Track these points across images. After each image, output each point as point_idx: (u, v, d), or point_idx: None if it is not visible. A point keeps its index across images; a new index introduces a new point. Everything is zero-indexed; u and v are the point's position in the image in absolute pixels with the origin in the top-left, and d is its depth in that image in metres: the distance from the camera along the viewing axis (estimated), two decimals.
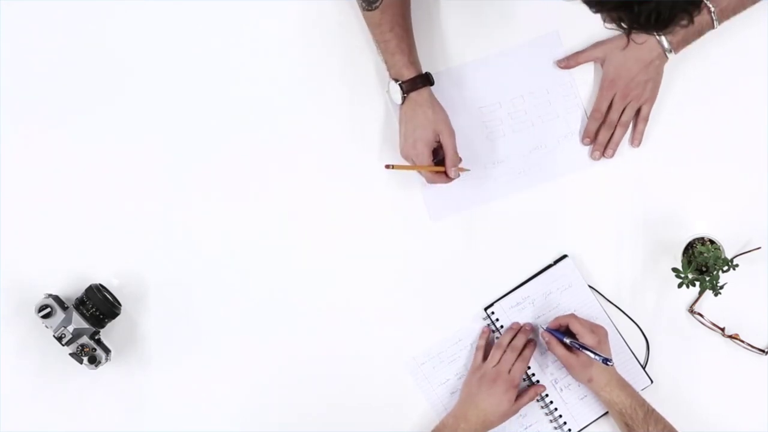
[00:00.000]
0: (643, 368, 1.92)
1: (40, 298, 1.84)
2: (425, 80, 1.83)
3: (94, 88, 1.93)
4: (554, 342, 1.88)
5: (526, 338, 1.90)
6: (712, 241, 1.86)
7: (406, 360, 1.93)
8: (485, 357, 1.90)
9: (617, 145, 1.93)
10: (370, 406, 1.93)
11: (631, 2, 1.37)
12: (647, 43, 1.87)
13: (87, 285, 1.87)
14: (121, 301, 1.90)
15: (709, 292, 1.80)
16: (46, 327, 1.84)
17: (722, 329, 1.90)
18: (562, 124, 1.94)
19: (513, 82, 1.93)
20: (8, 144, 1.92)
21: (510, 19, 1.92)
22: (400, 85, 1.82)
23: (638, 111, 1.92)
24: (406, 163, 1.86)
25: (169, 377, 1.92)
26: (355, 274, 1.93)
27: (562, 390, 1.92)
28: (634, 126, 1.93)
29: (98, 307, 1.85)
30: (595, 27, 1.89)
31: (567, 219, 1.93)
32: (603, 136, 1.93)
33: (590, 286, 1.93)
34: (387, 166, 1.82)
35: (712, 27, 1.85)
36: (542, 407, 1.92)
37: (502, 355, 1.88)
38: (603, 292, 1.93)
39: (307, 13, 1.93)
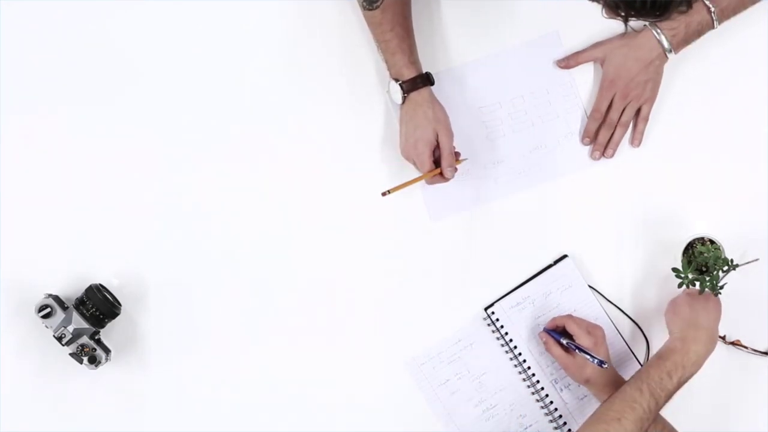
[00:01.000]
0: None
1: (40, 298, 1.84)
2: (425, 80, 1.83)
3: (93, 89, 1.92)
4: (551, 342, 1.88)
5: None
6: (712, 241, 1.87)
7: (406, 360, 1.93)
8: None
9: (617, 145, 1.93)
10: (370, 406, 1.93)
11: None
12: (647, 43, 1.87)
13: (87, 285, 1.87)
14: (121, 301, 1.89)
15: (708, 292, 1.80)
16: (46, 327, 1.84)
17: (722, 337, 1.90)
18: (562, 124, 1.94)
19: (513, 82, 1.93)
20: (8, 144, 1.92)
21: (510, 19, 1.92)
22: (400, 84, 1.82)
23: (638, 111, 1.92)
24: (402, 181, 1.86)
25: (169, 377, 1.92)
26: (355, 275, 1.93)
27: (561, 390, 1.92)
28: (634, 126, 1.93)
29: (98, 307, 1.85)
30: (595, 27, 1.90)
31: (567, 219, 1.93)
32: (603, 136, 1.93)
33: (590, 286, 1.93)
34: (383, 194, 1.82)
35: (712, 27, 1.85)
36: (542, 407, 1.93)
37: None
38: (603, 292, 1.93)
39: (306, 13, 1.92)
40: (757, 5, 1.86)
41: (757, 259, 1.86)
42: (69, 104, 1.92)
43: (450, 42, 1.92)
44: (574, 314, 1.91)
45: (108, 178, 1.92)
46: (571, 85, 1.94)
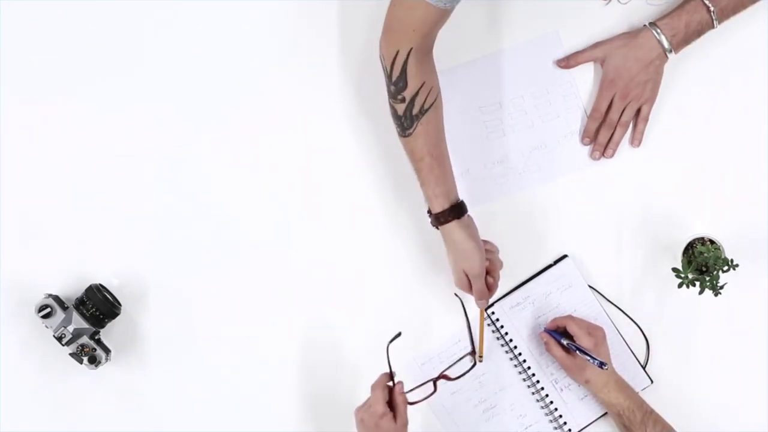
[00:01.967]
0: (643, 368, 1.92)
1: (40, 298, 1.84)
2: (454, 212, 1.78)
3: (94, 89, 1.93)
4: (552, 343, 1.88)
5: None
6: (712, 241, 1.86)
7: (406, 360, 1.93)
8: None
9: (617, 145, 1.93)
10: None
11: None
12: (647, 43, 1.87)
13: (87, 285, 1.87)
14: (121, 301, 1.90)
15: (708, 292, 1.80)
16: (46, 327, 1.84)
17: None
18: (562, 124, 1.94)
19: (513, 82, 1.93)
20: (8, 144, 1.92)
21: (510, 19, 1.92)
22: (429, 215, 1.81)
23: (638, 111, 1.92)
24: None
25: (169, 377, 1.92)
26: (354, 275, 1.93)
27: (562, 390, 1.92)
28: (634, 126, 1.93)
29: (98, 307, 1.85)
30: (595, 27, 1.90)
31: (567, 219, 1.93)
32: (603, 136, 1.93)
33: (590, 286, 1.93)
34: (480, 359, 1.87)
35: (712, 27, 1.85)
36: (542, 407, 1.93)
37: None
38: (603, 292, 1.93)
39: (307, 12, 1.93)
40: (756, 5, 1.86)
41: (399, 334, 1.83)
42: (69, 105, 1.92)
43: (450, 42, 1.91)
44: (574, 314, 1.92)
45: (108, 178, 1.92)
46: (571, 85, 1.94)
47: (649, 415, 1.82)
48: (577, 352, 1.83)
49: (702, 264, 1.83)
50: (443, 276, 1.93)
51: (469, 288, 1.82)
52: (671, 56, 1.88)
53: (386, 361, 1.78)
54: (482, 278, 1.81)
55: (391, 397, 1.76)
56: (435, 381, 1.83)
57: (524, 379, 1.93)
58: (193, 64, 1.93)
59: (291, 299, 1.93)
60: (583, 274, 1.93)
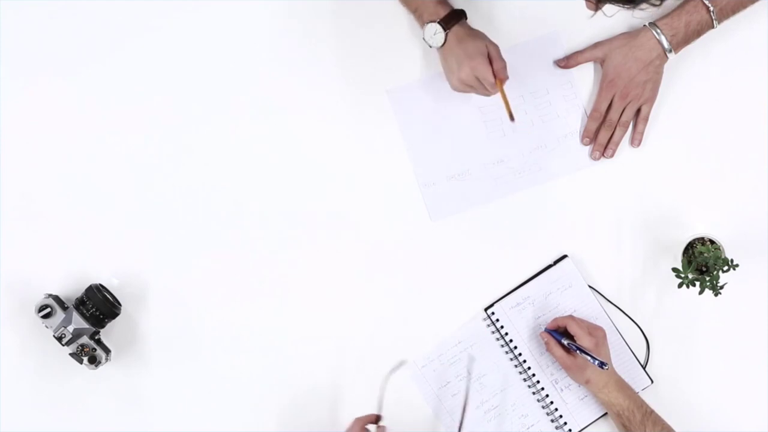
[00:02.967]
0: (643, 368, 1.92)
1: (40, 298, 1.84)
2: (462, 13, 1.82)
3: (93, 90, 1.93)
4: (552, 343, 1.88)
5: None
6: (712, 241, 1.86)
7: (406, 363, 1.93)
8: None
9: (617, 145, 1.93)
10: (369, 410, 1.92)
11: None
12: (647, 43, 1.87)
13: (87, 285, 1.87)
14: (121, 301, 1.90)
15: (708, 292, 1.80)
16: (46, 327, 1.84)
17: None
18: (562, 124, 1.94)
19: (513, 82, 1.92)
20: (8, 144, 1.92)
21: (510, 19, 1.92)
22: (439, 23, 1.80)
23: (638, 111, 1.92)
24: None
25: (169, 377, 1.92)
26: (354, 275, 1.93)
27: (562, 390, 1.92)
28: (634, 126, 1.93)
29: (98, 307, 1.85)
30: (595, 27, 1.91)
31: (567, 219, 1.93)
32: (603, 137, 1.93)
33: (590, 286, 1.93)
34: (512, 119, 1.83)
35: (712, 27, 1.85)
36: (543, 407, 1.92)
37: None
38: (603, 292, 1.93)
39: (308, 12, 1.93)
40: (756, 4, 1.86)
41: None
42: (69, 105, 1.93)
43: None
44: (574, 314, 1.91)
45: (108, 178, 1.92)
46: (571, 85, 1.94)
47: (649, 415, 1.82)
48: (578, 352, 1.83)
49: (702, 264, 1.82)
50: (443, 276, 1.93)
51: (489, 68, 1.80)
52: (671, 56, 1.88)
53: (379, 396, 1.82)
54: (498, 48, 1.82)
55: None
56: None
57: (525, 380, 1.93)
58: (193, 68, 1.94)
59: (291, 300, 1.93)
60: (583, 274, 1.92)
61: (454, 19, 1.81)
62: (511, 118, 1.82)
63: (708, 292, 1.80)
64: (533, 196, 1.93)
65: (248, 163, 1.93)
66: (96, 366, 1.84)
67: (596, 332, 1.86)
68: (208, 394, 1.92)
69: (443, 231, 1.93)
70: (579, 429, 1.91)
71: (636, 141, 1.93)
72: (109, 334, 1.90)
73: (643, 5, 1.44)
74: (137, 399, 1.92)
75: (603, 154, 1.93)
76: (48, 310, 1.83)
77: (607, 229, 1.93)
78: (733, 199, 1.93)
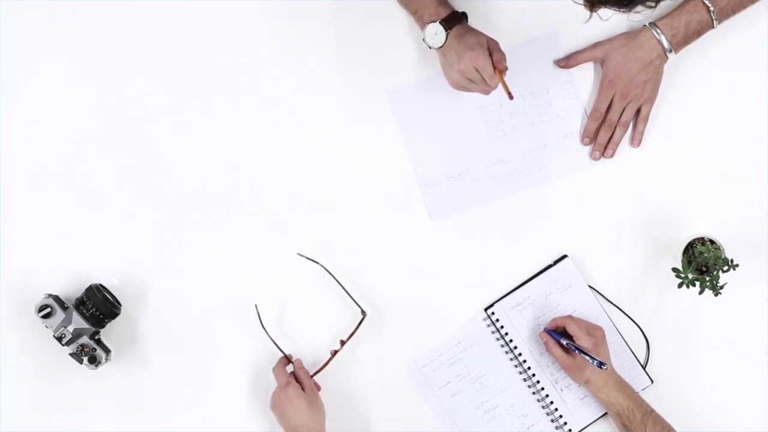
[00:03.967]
0: (643, 368, 1.92)
1: (40, 298, 1.84)
2: (462, 14, 1.83)
3: (93, 90, 1.93)
4: (551, 343, 1.88)
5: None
6: (712, 241, 1.86)
7: (406, 363, 1.93)
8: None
9: (617, 145, 1.93)
10: (370, 410, 1.92)
11: None
12: (647, 43, 1.87)
13: (87, 285, 1.87)
14: (121, 301, 1.90)
15: (708, 292, 1.79)
16: (46, 327, 1.84)
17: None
18: (562, 124, 1.94)
19: (513, 82, 1.92)
20: (8, 144, 1.92)
21: (510, 19, 1.92)
22: (440, 23, 1.80)
23: (638, 111, 1.92)
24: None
25: (169, 377, 1.92)
26: (354, 275, 1.93)
27: (562, 390, 1.92)
28: (634, 126, 1.93)
29: (98, 307, 1.85)
30: (595, 27, 1.90)
31: (567, 219, 1.93)
32: (603, 137, 1.93)
33: (590, 286, 1.93)
34: (511, 97, 1.82)
35: (712, 27, 1.85)
36: (543, 407, 1.92)
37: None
38: (603, 292, 1.93)
39: (308, 12, 1.93)
40: (756, 5, 1.86)
41: None
42: (68, 105, 1.93)
43: None
44: (574, 314, 1.91)
45: (108, 178, 1.92)
46: (571, 85, 1.94)
47: (649, 414, 1.82)
48: (577, 352, 1.83)
49: (702, 264, 1.82)
50: (443, 276, 1.93)
51: (479, 76, 1.80)
52: (671, 56, 1.88)
53: (276, 345, 1.88)
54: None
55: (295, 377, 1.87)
56: (334, 352, 1.89)
57: (525, 380, 1.93)
58: (193, 69, 1.94)
59: (291, 300, 1.93)
60: (583, 274, 1.93)
61: (455, 19, 1.81)
62: (510, 96, 1.81)
63: (708, 292, 1.80)
64: (533, 196, 1.93)
65: (248, 163, 1.93)
66: (96, 366, 1.84)
67: (595, 332, 1.86)
68: (208, 394, 1.92)
69: (443, 231, 1.93)
70: (579, 429, 1.91)
71: (636, 141, 1.93)
72: (109, 334, 1.90)
73: (638, 8, 1.44)
74: (137, 399, 1.92)
75: (603, 154, 1.93)
76: (48, 310, 1.83)
77: (607, 229, 1.93)
78: (733, 199, 1.93)
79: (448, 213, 1.94)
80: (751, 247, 1.89)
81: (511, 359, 1.93)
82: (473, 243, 1.93)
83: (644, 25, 1.88)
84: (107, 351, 1.87)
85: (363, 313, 1.90)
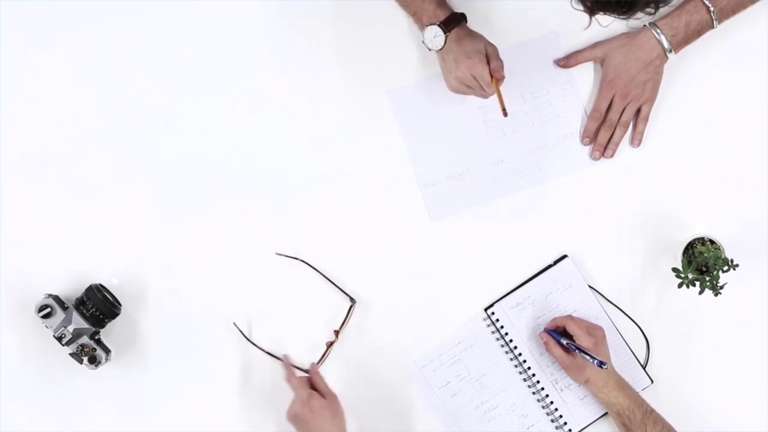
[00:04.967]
0: (643, 368, 1.92)
1: (40, 298, 1.84)
2: (462, 16, 1.82)
3: (93, 90, 1.93)
4: (551, 343, 1.88)
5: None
6: (712, 241, 1.86)
7: (406, 363, 1.93)
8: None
9: (617, 145, 1.93)
10: (370, 410, 1.92)
11: None
12: (647, 43, 1.87)
13: (87, 285, 1.87)
14: (121, 301, 1.90)
15: (708, 292, 1.79)
16: (46, 327, 1.84)
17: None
18: (562, 124, 1.94)
19: (513, 82, 1.92)
20: (8, 144, 1.92)
21: (510, 19, 1.92)
22: (439, 25, 1.80)
23: (638, 111, 1.92)
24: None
25: (169, 377, 1.92)
26: (354, 275, 1.93)
27: (562, 390, 1.92)
28: (634, 126, 1.93)
29: (98, 307, 1.85)
30: (595, 27, 1.89)
31: (567, 219, 1.93)
32: (603, 137, 1.93)
33: (590, 286, 1.93)
34: (505, 114, 1.82)
35: (712, 27, 1.85)
36: (543, 407, 1.92)
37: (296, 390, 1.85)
38: (603, 292, 1.93)
39: (307, 12, 1.93)
40: (756, 5, 1.86)
41: None
42: (68, 106, 1.93)
43: None
44: (574, 314, 1.91)
45: (108, 178, 1.93)
46: (571, 85, 1.94)
47: (649, 414, 1.82)
48: (577, 351, 1.83)
49: (702, 264, 1.82)
50: (443, 276, 1.93)
51: (476, 83, 1.81)
52: (671, 56, 1.88)
53: (264, 353, 1.90)
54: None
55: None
56: (330, 343, 1.90)
57: (525, 380, 1.93)
58: (193, 70, 1.94)
59: (291, 300, 1.93)
60: (583, 274, 1.93)
61: (454, 21, 1.81)
62: (504, 113, 1.81)
63: (708, 292, 1.80)
64: (533, 196, 1.93)
65: (248, 163, 1.93)
66: (96, 366, 1.84)
67: (595, 332, 1.86)
68: (208, 394, 1.92)
69: (443, 231, 1.93)
70: (579, 429, 1.91)
71: (636, 141, 1.93)
72: (109, 334, 1.90)
73: (638, 15, 1.44)
74: (137, 399, 1.92)
75: (603, 154, 1.93)
76: (48, 310, 1.83)
77: (607, 229, 1.93)
78: (733, 199, 1.93)
79: (448, 213, 1.94)
80: (751, 247, 1.89)
81: (511, 359, 1.93)
82: (473, 243, 1.93)
83: (644, 25, 1.88)
84: (107, 351, 1.87)
85: (351, 300, 1.90)
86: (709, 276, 1.79)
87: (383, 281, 1.93)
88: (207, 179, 1.93)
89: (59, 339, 1.83)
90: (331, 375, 1.91)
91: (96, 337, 1.86)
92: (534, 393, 1.93)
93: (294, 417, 1.81)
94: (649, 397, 1.85)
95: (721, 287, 1.79)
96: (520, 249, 1.93)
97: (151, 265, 1.92)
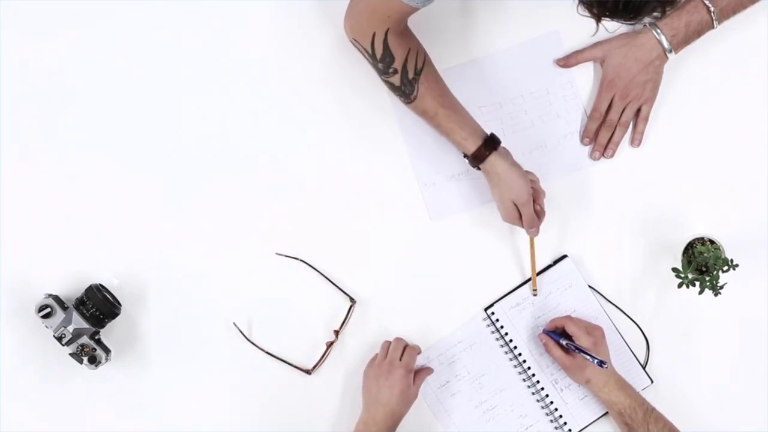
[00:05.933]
0: (643, 368, 1.92)
1: (40, 298, 1.84)
2: (488, 146, 1.80)
3: (93, 90, 1.93)
4: (551, 344, 1.88)
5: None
6: (712, 241, 1.87)
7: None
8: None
9: (617, 145, 1.93)
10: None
11: None
12: (647, 43, 1.87)
13: (87, 285, 1.87)
14: (121, 301, 1.89)
15: (708, 292, 1.80)
16: (46, 327, 1.84)
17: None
18: (562, 124, 1.94)
19: (513, 82, 1.93)
20: (9, 144, 1.92)
21: (510, 19, 1.92)
22: (467, 158, 1.82)
23: (638, 111, 1.92)
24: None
25: (169, 377, 1.92)
26: (354, 275, 1.93)
27: (562, 390, 1.92)
28: (634, 126, 1.93)
29: (98, 307, 1.84)
30: (595, 27, 1.90)
31: (567, 219, 1.93)
32: (603, 137, 1.93)
33: (590, 286, 1.93)
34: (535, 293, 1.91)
35: (712, 27, 1.85)
36: (543, 407, 1.92)
37: (389, 348, 1.88)
38: (603, 292, 1.93)
39: (307, 12, 1.93)
40: (756, 5, 1.86)
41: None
42: (68, 106, 1.93)
43: (450, 42, 1.92)
44: (573, 314, 1.92)
45: (108, 178, 1.92)
46: (571, 85, 1.94)
47: (650, 412, 1.82)
48: (577, 351, 1.83)
49: (702, 264, 1.83)
50: (443, 276, 1.93)
51: (519, 219, 1.83)
52: (671, 56, 1.88)
53: (264, 353, 1.91)
54: (530, 205, 1.81)
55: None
56: (330, 343, 1.91)
57: (524, 380, 1.93)
58: (193, 71, 1.93)
59: (290, 299, 1.93)
60: (583, 274, 1.93)
61: (481, 156, 1.80)
62: (535, 291, 1.91)
63: (708, 292, 1.80)
64: None
65: (248, 163, 1.93)
66: (96, 366, 1.84)
67: (594, 332, 1.86)
68: (208, 394, 1.92)
69: (443, 231, 1.93)
70: (579, 429, 1.91)
71: (636, 141, 1.94)
72: (109, 334, 1.90)
73: (645, 20, 1.44)
74: (137, 399, 1.92)
75: (603, 155, 1.93)
76: (48, 310, 1.83)
77: (607, 229, 1.93)
78: (733, 199, 1.93)
79: (448, 213, 1.94)
80: (751, 247, 1.90)
81: (511, 359, 1.93)
82: (473, 243, 1.93)
83: (644, 26, 1.88)
84: (107, 351, 1.87)
85: (351, 300, 1.90)
86: (709, 276, 1.80)
87: (383, 281, 1.93)
88: (207, 179, 1.93)
89: (59, 339, 1.83)
90: (331, 375, 1.92)
91: (96, 337, 1.86)
92: (533, 393, 1.93)
93: (372, 374, 1.85)
94: (649, 397, 1.85)
95: (721, 287, 1.79)
96: (520, 249, 1.93)
97: (151, 265, 1.92)
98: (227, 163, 1.93)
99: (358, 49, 1.78)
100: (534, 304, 1.93)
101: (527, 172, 1.84)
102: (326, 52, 1.93)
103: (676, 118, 1.93)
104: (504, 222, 1.86)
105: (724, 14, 1.85)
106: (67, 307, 1.85)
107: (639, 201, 1.93)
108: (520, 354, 1.92)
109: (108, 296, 1.87)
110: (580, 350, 1.83)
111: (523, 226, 1.84)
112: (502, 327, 1.93)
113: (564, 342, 1.86)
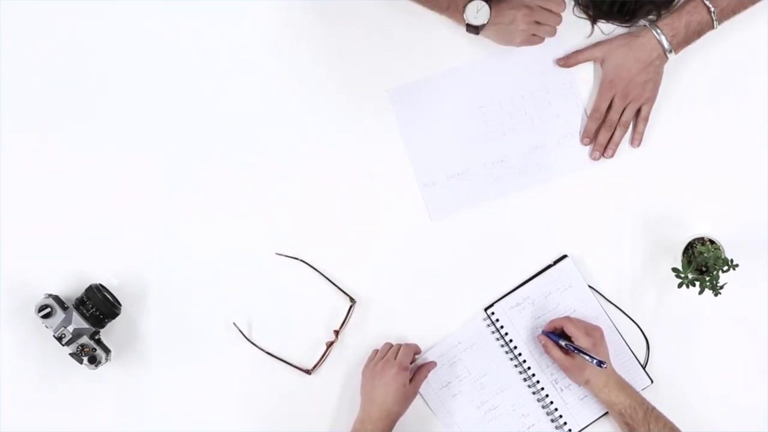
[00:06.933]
0: (643, 368, 1.92)
1: (40, 298, 1.84)
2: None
3: (93, 90, 1.93)
4: (550, 345, 1.88)
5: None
6: (712, 241, 1.86)
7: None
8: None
9: (617, 145, 1.93)
10: None
11: None
12: (647, 43, 1.87)
13: (87, 285, 1.87)
14: (121, 301, 1.90)
15: (708, 292, 1.80)
16: (46, 327, 1.84)
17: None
18: (562, 124, 1.94)
19: (513, 82, 1.93)
20: (9, 145, 1.92)
21: None
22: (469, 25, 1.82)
23: (638, 111, 1.92)
24: None
25: (170, 377, 1.92)
26: (354, 275, 1.93)
27: (562, 390, 1.92)
28: (634, 126, 1.93)
29: (98, 307, 1.85)
30: (595, 27, 1.90)
31: (567, 219, 1.93)
32: (603, 137, 1.93)
33: (590, 286, 1.93)
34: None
35: (712, 27, 1.86)
36: (543, 407, 1.92)
37: (387, 349, 1.89)
38: (603, 292, 1.93)
39: (307, 12, 1.93)
40: (757, 5, 1.87)
41: None
42: (69, 107, 1.93)
43: (450, 42, 1.92)
44: (573, 314, 1.92)
45: (108, 178, 1.92)
46: (571, 85, 1.94)
47: (651, 412, 1.82)
48: (576, 352, 1.83)
49: (702, 264, 1.83)
50: (443, 276, 1.93)
51: (531, 35, 1.83)
52: (671, 56, 1.88)
53: (264, 353, 1.91)
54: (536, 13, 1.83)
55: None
56: (330, 343, 1.91)
57: (525, 380, 1.93)
58: (193, 71, 1.94)
59: (290, 298, 1.93)
60: (583, 274, 1.93)
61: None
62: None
63: (708, 292, 1.80)
64: (533, 196, 1.93)
65: (248, 163, 1.93)
66: (96, 366, 1.84)
67: (594, 332, 1.86)
68: (208, 393, 1.92)
69: (443, 231, 1.93)
70: (579, 429, 1.91)
71: (636, 141, 1.94)
72: (109, 334, 1.90)
73: (641, 22, 1.44)
74: (137, 399, 1.92)
75: (603, 155, 1.93)
76: (48, 310, 1.83)
77: (607, 229, 1.93)
78: (733, 199, 1.93)
79: (448, 213, 1.94)
80: (751, 247, 1.90)
81: (511, 359, 1.93)
82: (473, 243, 1.93)
83: (644, 26, 1.88)
84: (107, 351, 1.87)
85: (351, 300, 1.91)
86: (709, 276, 1.80)
87: (383, 281, 1.93)
88: (207, 179, 1.93)
89: (59, 339, 1.83)
90: (331, 375, 1.92)
91: (96, 337, 1.86)
92: (534, 393, 1.93)
93: (369, 372, 1.86)
94: (649, 397, 1.85)
95: (721, 287, 1.79)
96: (520, 249, 1.93)
97: (151, 265, 1.92)
98: (227, 163, 1.93)
99: None
100: (534, 304, 1.93)
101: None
102: (326, 53, 1.94)
103: (676, 118, 1.93)
104: (525, 41, 1.86)
105: (725, 14, 1.85)
106: (67, 307, 1.85)
107: (639, 201, 1.93)
108: (520, 354, 1.92)
109: (108, 296, 1.87)
110: (580, 351, 1.83)
111: (542, 36, 1.84)
112: (502, 327, 1.93)
113: (563, 343, 1.86)
